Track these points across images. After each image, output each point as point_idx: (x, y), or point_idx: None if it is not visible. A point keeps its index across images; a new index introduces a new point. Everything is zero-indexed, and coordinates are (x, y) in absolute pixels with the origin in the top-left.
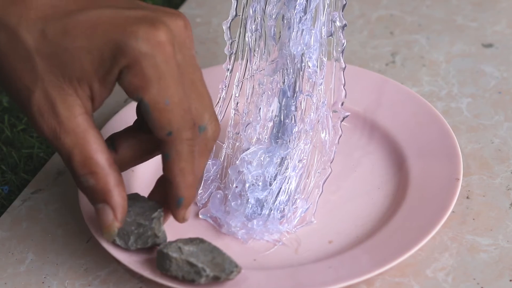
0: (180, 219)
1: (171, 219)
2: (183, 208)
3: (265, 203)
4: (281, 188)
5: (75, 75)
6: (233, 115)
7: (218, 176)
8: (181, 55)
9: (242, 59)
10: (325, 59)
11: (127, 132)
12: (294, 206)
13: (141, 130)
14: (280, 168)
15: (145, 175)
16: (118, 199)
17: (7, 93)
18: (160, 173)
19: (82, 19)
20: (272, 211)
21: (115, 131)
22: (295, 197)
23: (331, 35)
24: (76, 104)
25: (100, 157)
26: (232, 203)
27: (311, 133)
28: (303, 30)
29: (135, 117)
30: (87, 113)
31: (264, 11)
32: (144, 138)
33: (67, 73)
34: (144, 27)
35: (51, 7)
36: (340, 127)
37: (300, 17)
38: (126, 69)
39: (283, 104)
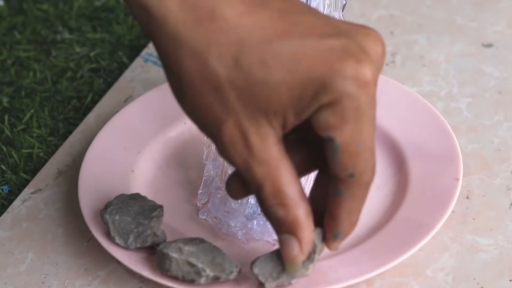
0: (333, 249)
1: (171, 219)
2: (339, 241)
3: None
4: None
5: (271, 108)
6: None
7: (218, 176)
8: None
9: None
10: None
11: (292, 145)
12: None
13: (302, 143)
14: None
15: (145, 175)
16: (306, 232)
17: (193, 120)
18: (160, 173)
19: (283, 50)
20: None
21: (115, 131)
22: None
23: None
24: (270, 134)
25: (292, 189)
26: (232, 203)
27: None
28: None
29: (135, 117)
30: (279, 142)
31: None
32: (307, 157)
33: (262, 106)
34: (351, 64)
35: (244, 30)
36: None
37: None
38: (325, 107)
39: None
